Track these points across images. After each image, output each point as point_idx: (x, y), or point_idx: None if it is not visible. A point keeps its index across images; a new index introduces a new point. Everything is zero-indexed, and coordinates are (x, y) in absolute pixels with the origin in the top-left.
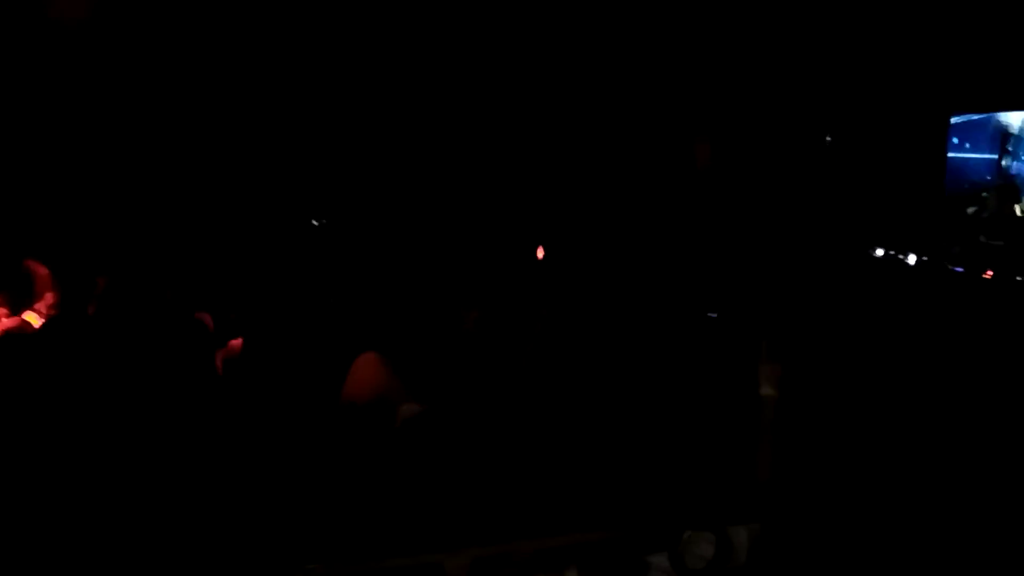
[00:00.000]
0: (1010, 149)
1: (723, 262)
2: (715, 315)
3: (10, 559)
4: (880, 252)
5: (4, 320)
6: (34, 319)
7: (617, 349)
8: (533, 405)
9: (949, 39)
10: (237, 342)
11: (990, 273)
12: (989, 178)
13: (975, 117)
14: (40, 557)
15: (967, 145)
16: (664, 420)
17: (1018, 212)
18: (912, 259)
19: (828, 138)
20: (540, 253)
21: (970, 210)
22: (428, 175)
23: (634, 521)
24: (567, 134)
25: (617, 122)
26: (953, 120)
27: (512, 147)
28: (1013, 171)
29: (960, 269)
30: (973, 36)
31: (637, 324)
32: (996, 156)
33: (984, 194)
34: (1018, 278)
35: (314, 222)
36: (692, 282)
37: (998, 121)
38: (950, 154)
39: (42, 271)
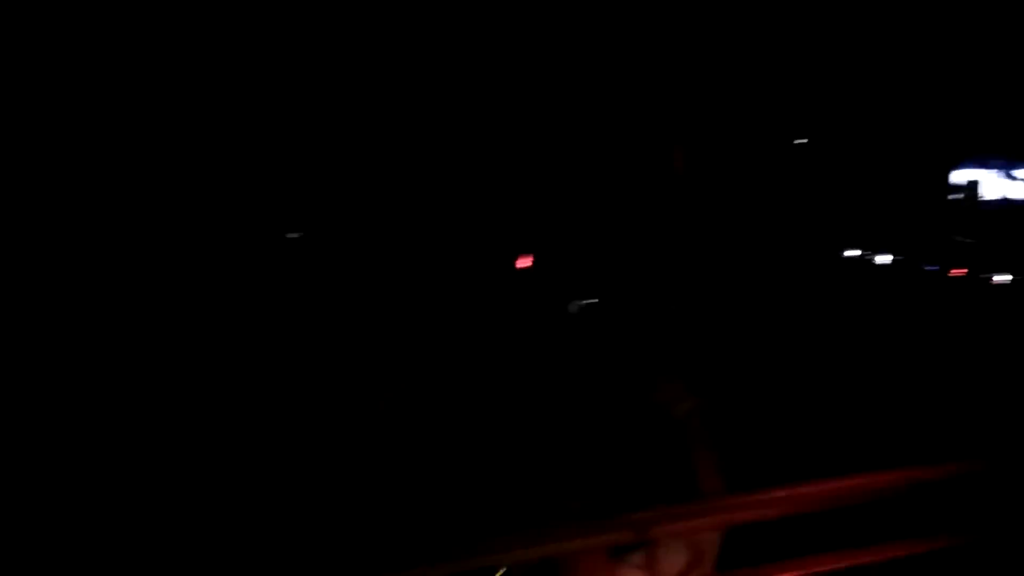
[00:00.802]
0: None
1: (699, 262)
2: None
3: None
4: (855, 253)
5: None
6: None
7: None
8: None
9: (920, 46)
10: None
11: (960, 271)
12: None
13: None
14: None
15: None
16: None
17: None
18: (887, 259)
19: (799, 141)
20: (522, 263)
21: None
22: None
23: None
24: (547, 146)
25: (597, 130)
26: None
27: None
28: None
29: (935, 268)
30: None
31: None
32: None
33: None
34: (982, 276)
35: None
36: (669, 281)
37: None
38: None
39: None
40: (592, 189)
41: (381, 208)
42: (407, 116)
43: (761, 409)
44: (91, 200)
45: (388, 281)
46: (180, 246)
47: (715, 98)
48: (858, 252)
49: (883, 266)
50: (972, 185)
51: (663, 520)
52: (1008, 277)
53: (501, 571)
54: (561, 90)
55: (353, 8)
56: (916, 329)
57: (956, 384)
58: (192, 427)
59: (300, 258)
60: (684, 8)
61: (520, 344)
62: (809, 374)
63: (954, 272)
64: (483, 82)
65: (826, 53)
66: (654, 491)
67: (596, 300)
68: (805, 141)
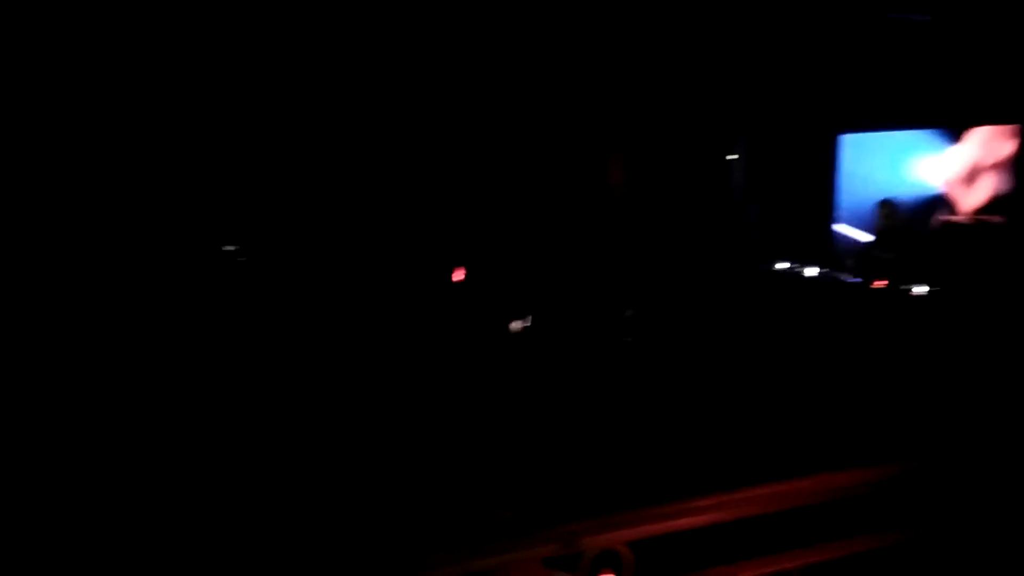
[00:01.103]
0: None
1: (633, 271)
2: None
3: None
4: (784, 265)
5: None
6: None
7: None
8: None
9: (838, 63)
10: None
11: (881, 283)
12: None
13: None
14: None
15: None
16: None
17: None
18: (813, 271)
19: (731, 157)
20: (457, 275)
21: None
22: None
23: None
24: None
25: (534, 140)
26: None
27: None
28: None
29: (856, 280)
30: (861, 59)
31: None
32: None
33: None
34: (902, 287)
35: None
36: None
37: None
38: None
39: None
40: (527, 199)
41: (312, 219)
42: (338, 123)
43: (701, 415)
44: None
45: (323, 293)
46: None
47: (653, 112)
48: (787, 264)
49: (810, 278)
50: (888, 203)
51: (594, 530)
52: (925, 288)
53: None
54: (496, 98)
55: (271, 17)
56: (838, 338)
57: (878, 389)
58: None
59: (233, 271)
60: (622, 22)
61: (456, 360)
62: (744, 381)
63: (876, 284)
64: (415, 88)
65: (757, 76)
66: (585, 499)
67: (534, 316)
68: (736, 157)
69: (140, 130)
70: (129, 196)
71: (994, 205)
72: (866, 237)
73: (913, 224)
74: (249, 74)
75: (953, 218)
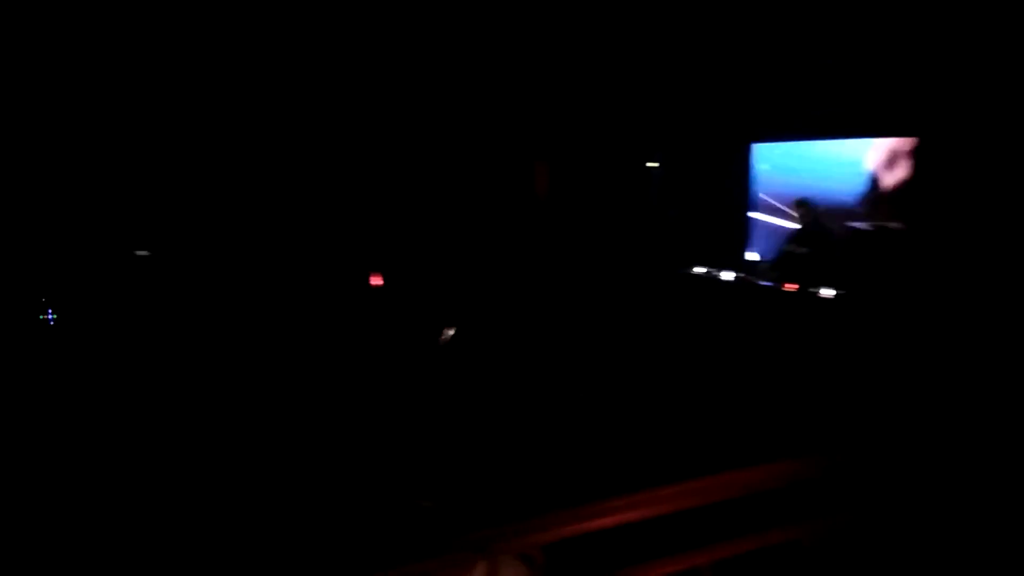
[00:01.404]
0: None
1: (557, 276)
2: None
3: None
4: (702, 270)
5: None
6: None
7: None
8: None
9: (752, 74)
10: None
11: (792, 286)
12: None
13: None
14: None
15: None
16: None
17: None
18: (729, 276)
19: (651, 165)
20: (375, 281)
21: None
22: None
23: None
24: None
25: (457, 146)
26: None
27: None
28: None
29: (769, 284)
30: (774, 70)
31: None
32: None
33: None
34: (811, 290)
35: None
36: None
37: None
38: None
39: None
40: (449, 205)
41: (227, 224)
42: (254, 124)
43: (620, 415)
44: None
45: (238, 297)
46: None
47: (576, 120)
48: (705, 269)
49: (727, 282)
50: (804, 202)
51: (506, 536)
52: (832, 292)
53: None
54: (420, 104)
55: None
56: (749, 340)
57: (782, 386)
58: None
59: (147, 275)
60: (547, 39)
61: (380, 363)
62: (660, 380)
63: (787, 287)
64: (334, 89)
65: (674, 88)
66: (501, 501)
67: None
68: (657, 165)
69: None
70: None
71: (896, 213)
72: (791, 224)
73: (827, 226)
74: (143, 75)
75: (858, 225)
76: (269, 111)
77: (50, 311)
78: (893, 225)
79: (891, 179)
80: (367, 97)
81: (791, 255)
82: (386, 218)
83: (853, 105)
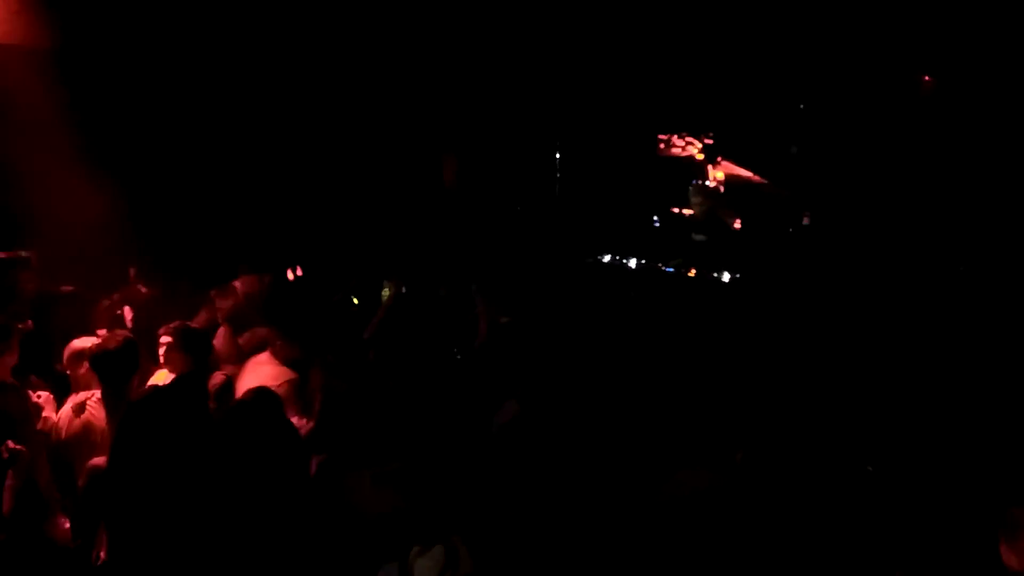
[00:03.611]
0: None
1: (467, 266)
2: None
3: None
4: (607, 258)
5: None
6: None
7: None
8: None
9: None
10: None
11: (692, 272)
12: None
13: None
14: None
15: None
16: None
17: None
18: (633, 263)
19: (559, 157)
20: (291, 275)
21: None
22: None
23: None
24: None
25: (375, 144)
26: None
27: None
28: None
29: (671, 270)
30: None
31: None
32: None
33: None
34: (714, 274)
35: None
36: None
37: None
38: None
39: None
40: (359, 197)
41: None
42: (152, 124)
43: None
44: None
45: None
46: None
47: (483, 113)
48: (611, 257)
49: (633, 269)
50: (699, 187)
51: None
52: (727, 276)
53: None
54: (327, 98)
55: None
56: (654, 323)
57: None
58: None
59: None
60: (455, 42)
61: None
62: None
63: (689, 273)
64: (242, 85)
65: (578, 76)
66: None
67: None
68: (558, 157)
69: None
70: None
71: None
72: (690, 212)
73: (724, 211)
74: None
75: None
76: (177, 107)
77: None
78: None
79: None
80: (281, 94)
81: (691, 242)
82: (303, 209)
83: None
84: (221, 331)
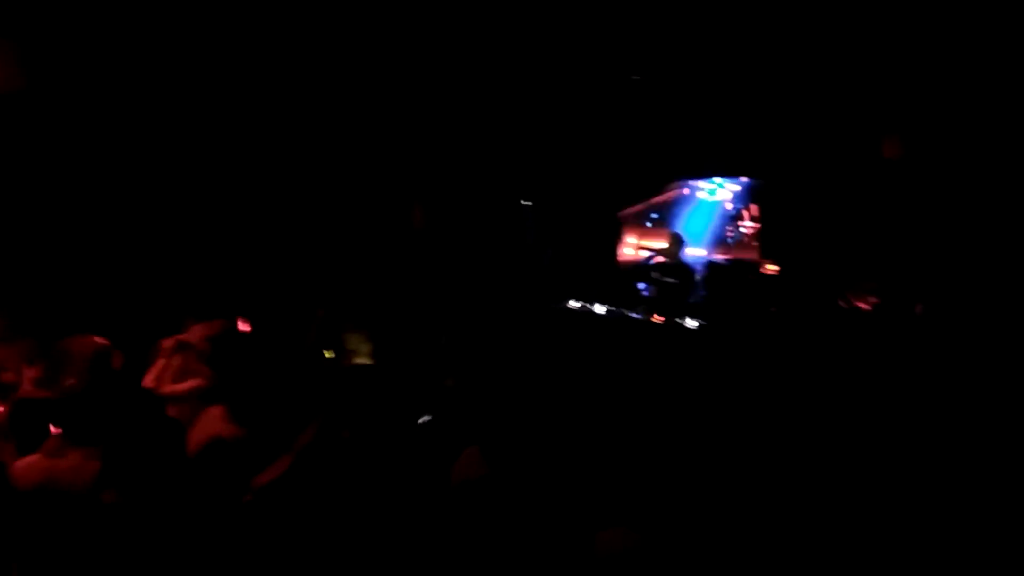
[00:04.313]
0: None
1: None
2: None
3: None
4: (575, 304)
5: None
6: None
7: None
8: None
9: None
10: None
11: (659, 318)
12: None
13: None
14: None
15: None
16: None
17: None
18: (601, 309)
19: (526, 204)
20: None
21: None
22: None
23: None
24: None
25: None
26: None
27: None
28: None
29: (638, 316)
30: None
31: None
32: None
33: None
34: (676, 320)
35: None
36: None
37: None
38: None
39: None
40: (331, 243)
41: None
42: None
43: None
44: None
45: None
46: None
47: (452, 160)
48: (579, 303)
49: (600, 315)
50: (676, 235)
51: None
52: (695, 323)
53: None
54: (301, 143)
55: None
56: (621, 369)
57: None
58: None
59: None
60: (423, 76)
61: None
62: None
63: (655, 319)
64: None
65: (542, 127)
66: None
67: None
68: (530, 204)
69: None
70: None
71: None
72: (659, 259)
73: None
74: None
75: (716, 258)
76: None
77: None
78: (749, 259)
79: (744, 216)
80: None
81: (659, 288)
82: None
83: (712, 150)
84: None
